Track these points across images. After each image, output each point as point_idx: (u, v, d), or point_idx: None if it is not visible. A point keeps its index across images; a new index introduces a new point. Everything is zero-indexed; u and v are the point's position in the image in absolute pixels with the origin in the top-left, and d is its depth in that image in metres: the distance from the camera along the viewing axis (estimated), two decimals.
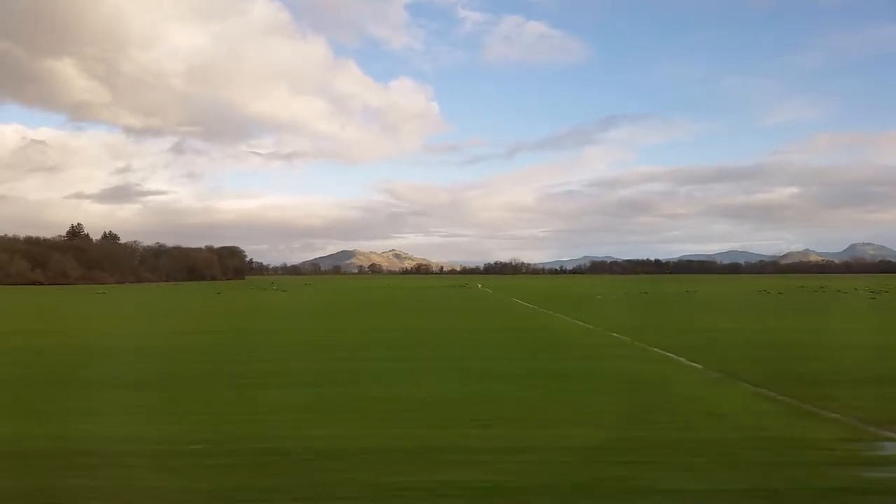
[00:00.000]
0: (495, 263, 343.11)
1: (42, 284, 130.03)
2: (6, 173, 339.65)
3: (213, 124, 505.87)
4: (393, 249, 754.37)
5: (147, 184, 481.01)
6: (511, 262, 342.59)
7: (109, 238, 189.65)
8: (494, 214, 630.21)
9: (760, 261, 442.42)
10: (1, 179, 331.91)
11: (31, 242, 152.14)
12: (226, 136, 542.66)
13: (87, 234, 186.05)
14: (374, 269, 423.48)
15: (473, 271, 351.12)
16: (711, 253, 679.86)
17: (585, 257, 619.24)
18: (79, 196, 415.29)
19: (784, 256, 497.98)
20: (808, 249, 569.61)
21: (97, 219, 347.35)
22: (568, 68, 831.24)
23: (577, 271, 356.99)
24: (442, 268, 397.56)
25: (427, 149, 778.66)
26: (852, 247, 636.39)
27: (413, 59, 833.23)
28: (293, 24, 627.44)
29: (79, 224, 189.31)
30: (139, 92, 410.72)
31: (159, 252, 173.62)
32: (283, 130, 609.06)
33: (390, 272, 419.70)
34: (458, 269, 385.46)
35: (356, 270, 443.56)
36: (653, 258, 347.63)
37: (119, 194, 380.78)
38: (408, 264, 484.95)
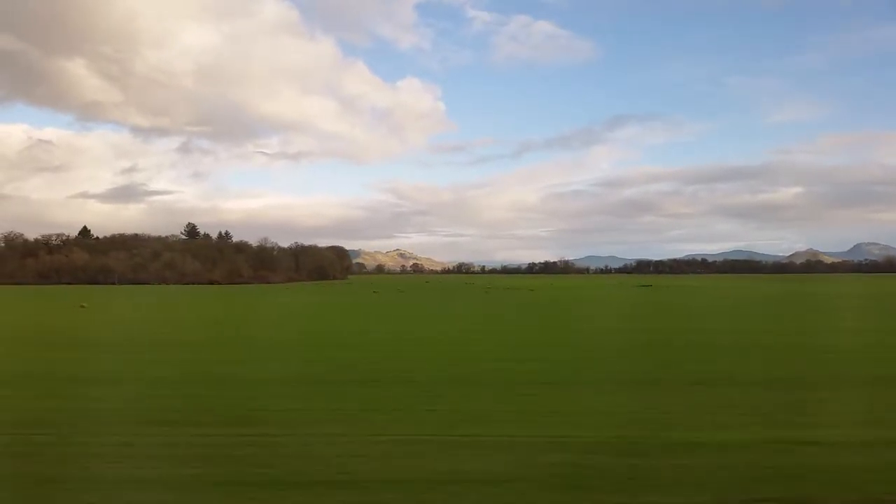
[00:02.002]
0: (545, 263, 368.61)
1: (220, 284, 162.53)
2: (11, 173, 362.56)
3: (221, 124, 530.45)
4: (398, 249, 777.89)
5: (153, 183, 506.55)
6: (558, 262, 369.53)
7: (225, 237, 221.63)
8: (498, 214, 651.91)
9: (768, 261, 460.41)
10: (6, 179, 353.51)
11: (195, 243, 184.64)
12: (233, 135, 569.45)
13: (207, 234, 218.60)
14: (380, 269, 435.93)
15: (515, 271, 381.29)
16: (715, 252, 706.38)
17: (588, 257, 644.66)
18: (84, 196, 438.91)
19: (793, 256, 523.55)
20: (812, 249, 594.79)
21: (101, 218, 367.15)
22: (576, 68, 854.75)
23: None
24: (483, 267, 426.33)
25: (433, 149, 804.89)
26: (857, 246, 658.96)
27: (421, 58, 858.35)
28: (302, 24, 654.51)
29: (192, 225, 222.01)
30: (150, 91, 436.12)
31: (297, 252, 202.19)
32: (289, 130, 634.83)
33: (410, 271, 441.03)
34: (499, 268, 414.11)
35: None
36: (654, 258, 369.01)
37: (124, 194, 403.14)
38: (411, 263, 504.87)
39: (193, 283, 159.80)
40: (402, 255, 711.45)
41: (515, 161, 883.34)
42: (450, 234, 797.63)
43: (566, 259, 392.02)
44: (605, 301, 72.11)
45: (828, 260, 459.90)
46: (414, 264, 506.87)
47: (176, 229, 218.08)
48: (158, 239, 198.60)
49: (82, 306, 57.94)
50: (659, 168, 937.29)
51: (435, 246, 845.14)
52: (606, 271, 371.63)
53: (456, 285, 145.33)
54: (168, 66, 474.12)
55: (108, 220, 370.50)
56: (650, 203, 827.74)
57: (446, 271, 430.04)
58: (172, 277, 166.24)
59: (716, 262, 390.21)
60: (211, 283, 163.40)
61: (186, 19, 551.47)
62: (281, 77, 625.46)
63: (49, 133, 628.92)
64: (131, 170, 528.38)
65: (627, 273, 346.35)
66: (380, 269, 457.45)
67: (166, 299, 79.17)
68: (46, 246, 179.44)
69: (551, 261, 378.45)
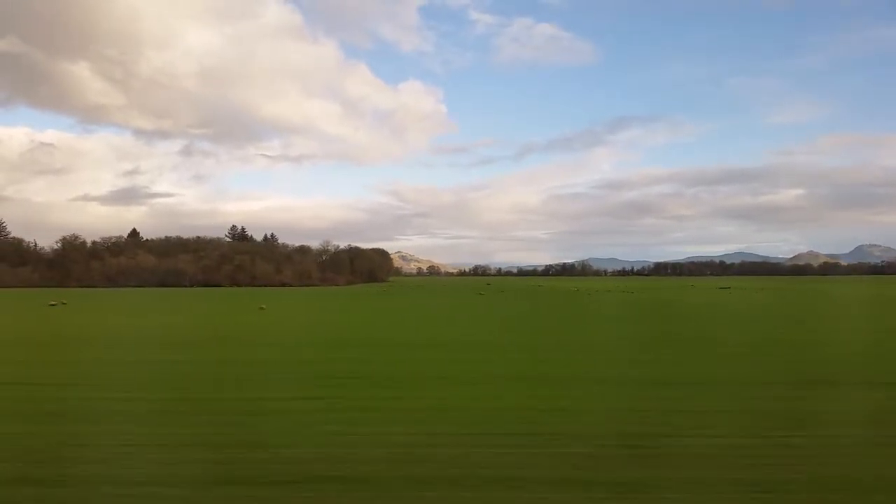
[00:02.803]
0: (563, 265, 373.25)
1: (291, 286, 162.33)
2: (13, 175, 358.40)
3: (223, 126, 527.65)
4: (399, 251, 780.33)
5: (154, 186, 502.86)
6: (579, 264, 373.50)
7: (272, 239, 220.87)
8: (498, 216, 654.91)
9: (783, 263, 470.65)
10: (7, 181, 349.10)
11: (262, 245, 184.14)
12: (235, 137, 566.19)
13: (252, 235, 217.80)
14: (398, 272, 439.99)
15: (531, 273, 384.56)
16: (716, 254, 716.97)
17: (589, 259, 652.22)
18: (85, 198, 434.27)
19: (796, 257, 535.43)
20: (813, 251, 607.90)
21: (101, 221, 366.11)
22: (577, 70, 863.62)
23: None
24: (500, 269, 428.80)
25: (434, 150, 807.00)
26: (859, 248, 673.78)
27: (423, 61, 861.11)
28: (305, 27, 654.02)
29: (241, 227, 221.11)
30: (152, 94, 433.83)
31: (352, 254, 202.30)
32: (291, 132, 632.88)
33: (426, 273, 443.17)
34: (514, 271, 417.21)
35: None
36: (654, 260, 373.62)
37: (126, 196, 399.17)
38: (414, 266, 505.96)
39: (265, 286, 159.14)
40: (403, 258, 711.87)
41: (517, 163, 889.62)
42: (450, 235, 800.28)
43: (585, 260, 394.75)
44: (752, 303, 66.05)
45: (842, 262, 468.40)
46: (430, 266, 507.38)
47: (177, 231, 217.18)
48: (212, 241, 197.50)
49: (262, 308, 57.33)
50: (660, 169, 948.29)
51: (435, 248, 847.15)
52: (627, 273, 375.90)
53: (530, 288, 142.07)
54: (171, 69, 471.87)
55: (109, 222, 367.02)
56: (651, 205, 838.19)
57: (462, 273, 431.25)
58: (244, 280, 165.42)
59: (734, 263, 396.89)
60: (282, 285, 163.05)
61: (190, 21, 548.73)
62: (283, 79, 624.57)
63: (51, 135, 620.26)
64: (133, 172, 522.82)
65: (647, 275, 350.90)
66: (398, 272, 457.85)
67: (303, 302, 76.07)
68: (108, 249, 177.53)
69: (569, 262, 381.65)
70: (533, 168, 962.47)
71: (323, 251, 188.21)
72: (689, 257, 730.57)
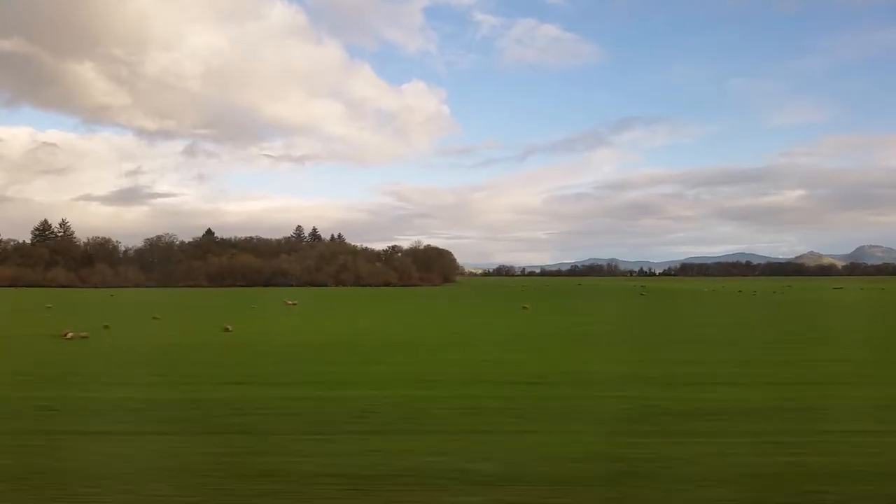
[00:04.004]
0: (590, 265, 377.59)
1: (395, 285, 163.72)
2: (16, 175, 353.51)
3: (227, 127, 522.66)
4: None
5: (157, 186, 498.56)
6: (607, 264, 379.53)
7: (338, 239, 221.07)
8: (499, 216, 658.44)
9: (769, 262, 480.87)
10: (10, 181, 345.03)
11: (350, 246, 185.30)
12: (238, 138, 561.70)
13: (318, 235, 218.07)
14: None
15: (555, 273, 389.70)
16: (716, 255, 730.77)
17: (590, 259, 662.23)
18: (87, 198, 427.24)
19: (800, 258, 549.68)
20: (814, 252, 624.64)
21: (103, 220, 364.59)
22: (581, 71, 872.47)
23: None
24: (524, 269, 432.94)
25: (437, 152, 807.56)
26: (860, 249, 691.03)
27: (427, 62, 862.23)
28: (310, 28, 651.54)
29: (299, 227, 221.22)
30: (157, 94, 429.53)
31: (430, 253, 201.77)
32: (295, 133, 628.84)
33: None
34: (537, 271, 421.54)
35: None
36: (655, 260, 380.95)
37: (127, 196, 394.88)
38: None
39: (369, 286, 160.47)
40: None
41: (520, 164, 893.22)
42: (451, 236, 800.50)
43: (615, 260, 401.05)
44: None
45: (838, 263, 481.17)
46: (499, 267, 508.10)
47: (178, 231, 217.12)
48: (299, 240, 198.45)
49: (525, 308, 58.32)
50: (662, 170, 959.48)
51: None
52: (649, 274, 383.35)
53: (627, 289, 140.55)
54: (176, 69, 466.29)
55: (111, 222, 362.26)
56: (652, 205, 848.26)
57: (486, 274, 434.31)
58: (348, 279, 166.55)
59: (759, 264, 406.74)
60: (387, 284, 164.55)
61: (195, 22, 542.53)
62: (287, 80, 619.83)
63: (53, 135, 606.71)
64: (135, 172, 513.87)
65: (674, 275, 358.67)
66: None
67: (496, 302, 75.19)
68: (198, 248, 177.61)
69: (598, 261, 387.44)
70: (535, 169, 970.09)
71: (415, 250, 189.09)
72: (689, 258, 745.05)
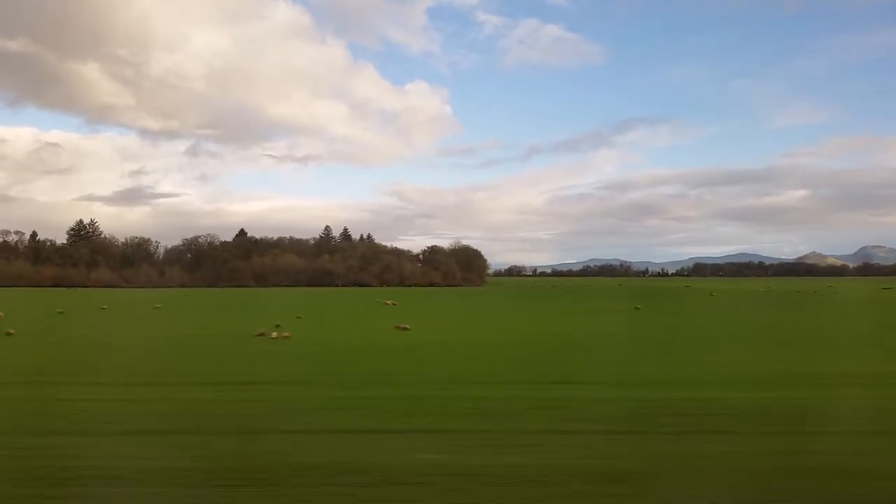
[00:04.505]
0: (602, 265, 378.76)
1: (439, 285, 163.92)
2: (19, 175, 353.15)
3: (230, 127, 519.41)
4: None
5: (159, 186, 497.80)
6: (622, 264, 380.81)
7: (368, 240, 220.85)
8: (502, 217, 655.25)
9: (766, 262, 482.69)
10: (13, 181, 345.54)
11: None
12: (241, 138, 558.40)
13: (352, 236, 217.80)
14: None
15: (567, 273, 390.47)
16: (718, 256, 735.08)
17: (592, 260, 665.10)
18: (89, 198, 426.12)
19: (804, 258, 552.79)
20: (816, 252, 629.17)
21: (105, 220, 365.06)
22: (584, 72, 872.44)
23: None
24: (535, 269, 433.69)
25: (439, 152, 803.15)
26: (863, 249, 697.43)
27: (430, 62, 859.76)
28: (314, 28, 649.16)
29: (328, 228, 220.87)
30: (161, 95, 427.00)
31: (469, 253, 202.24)
32: (297, 133, 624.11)
33: None
34: (549, 271, 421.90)
35: None
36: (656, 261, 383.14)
37: (130, 196, 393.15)
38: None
39: (414, 286, 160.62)
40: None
41: (523, 164, 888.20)
42: (453, 236, 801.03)
43: (627, 261, 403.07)
44: None
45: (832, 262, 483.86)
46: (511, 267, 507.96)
47: (180, 232, 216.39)
48: (328, 240, 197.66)
49: (637, 308, 58.60)
50: (664, 171, 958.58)
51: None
52: (663, 275, 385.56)
53: (676, 288, 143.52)
54: (180, 70, 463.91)
55: (113, 222, 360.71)
56: (655, 206, 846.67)
57: (497, 274, 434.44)
58: (392, 279, 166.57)
59: (771, 264, 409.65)
60: (431, 284, 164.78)
61: (200, 22, 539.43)
62: (291, 80, 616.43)
63: (56, 136, 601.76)
64: (138, 172, 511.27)
65: (687, 275, 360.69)
66: None
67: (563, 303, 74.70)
68: (257, 247, 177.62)
69: (610, 261, 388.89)
70: (538, 169, 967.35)
71: (456, 250, 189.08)
72: (692, 258, 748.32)
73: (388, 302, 73.49)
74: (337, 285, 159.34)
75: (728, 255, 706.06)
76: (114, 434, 11.63)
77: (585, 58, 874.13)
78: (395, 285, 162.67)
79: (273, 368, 20.74)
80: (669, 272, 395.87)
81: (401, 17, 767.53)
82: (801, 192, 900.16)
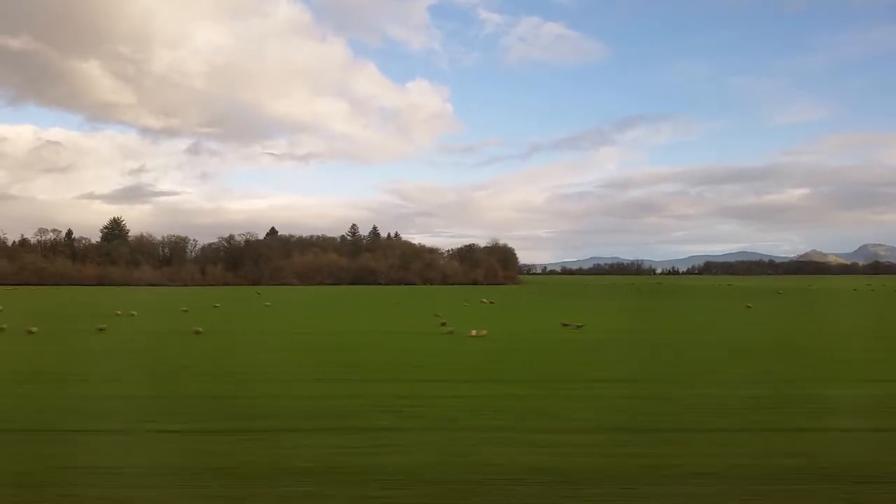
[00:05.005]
0: (618, 263, 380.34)
1: (481, 284, 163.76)
2: (19, 173, 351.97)
3: (230, 125, 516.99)
4: None
5: (160, 184, 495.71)
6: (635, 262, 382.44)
7: (396, 237, 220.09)
8: (502, 214, 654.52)
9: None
10: (13, 179, 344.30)
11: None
12: (242, 136, 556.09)
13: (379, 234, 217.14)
14: None
15: (576, 271, 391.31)
16: (718, 254, 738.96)
17: (592, 258, 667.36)
18: (90, 196, 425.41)
19: (804, 256, 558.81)
20: (816, 250, 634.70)
21: (105, 219, 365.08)
22: (585, 69, 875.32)
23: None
24: (545, 268, 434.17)
25: (440, 149, 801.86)
26: (863, 247, 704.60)
27: (431, 59, 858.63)
28: (315, 25, 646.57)
29: (354, 226, 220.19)
30: (163, 92, 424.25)
31: (507, 252, 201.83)
32: (298, 131, 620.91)
33: None
34: (558, 269, 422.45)
35: None
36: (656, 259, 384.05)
37: (130, 195, 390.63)
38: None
39: (457, 284, 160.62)
40: None
41: (523, 162, 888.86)
42: (453, 234, 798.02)
43: (640, 260, 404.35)
44: None
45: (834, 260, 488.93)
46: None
47: (180, 230, 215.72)
48: (355, 238, 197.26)
49: (748, 307, 59.04)
50: (665, 168, 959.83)
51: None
52: (674, 273, 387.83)
53: (720, 287, 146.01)
54: (181, 67, 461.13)
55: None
56: (655, 204, 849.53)
57: None
58: (435, 278, 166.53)
59: (783, 263, 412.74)
60: (475, 283, 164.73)
61: (201, 19, 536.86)
62: (292, 78, 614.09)
63: (57, 134, 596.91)
64: (139, 171, 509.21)
65: (698, 273, 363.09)
66: None
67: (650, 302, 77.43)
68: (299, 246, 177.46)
69: (625, 260, 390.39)
70: (538, 167, 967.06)
71: (494, 247, 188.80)
72: (692, 256, 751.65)
73: (485, 300, 73.86)
74: (380, 283, 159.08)
75: (728, 254, 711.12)
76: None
77: (586, 55, 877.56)
78: (438, 283, 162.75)
79: (572, 365, 21.23)
80: (680, 270, 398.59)
81: (402, 14, 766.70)
82: (802, 190, 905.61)
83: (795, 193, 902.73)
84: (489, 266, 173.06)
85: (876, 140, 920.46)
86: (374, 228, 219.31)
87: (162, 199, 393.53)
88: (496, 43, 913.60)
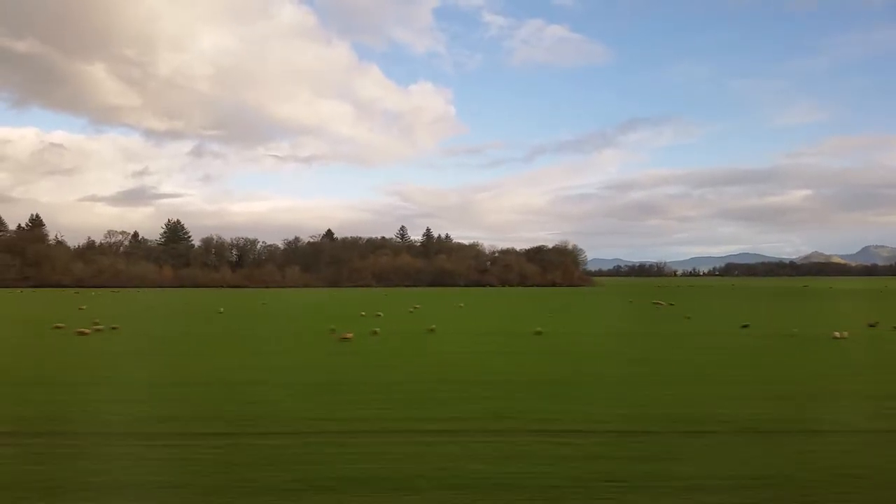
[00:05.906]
0: (640, 265, 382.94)
1: (560, 286, 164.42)
2: (22, 176, 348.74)
3: (234, 127, 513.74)
4: None
5: (162, 187, 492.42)
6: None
7: (446, 240, 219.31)
8: (504, 217, 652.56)
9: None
10: (17, 182, 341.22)
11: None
12: (245, 139, 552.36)
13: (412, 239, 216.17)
14: None
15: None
16: (720, 255, 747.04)
17: (594, 260, 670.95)
18: (92, 199, 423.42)
19: (808, 257, 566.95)
20: (818, 252, 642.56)
21: (108, 221, 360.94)
22: (588, 71, 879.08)
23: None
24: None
25: (443, 152, 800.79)
26: (865, 249, 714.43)
27: (435, 62, 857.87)
28: (320, 28, 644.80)
29: (403, 227, 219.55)
30: (168, 95, 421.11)
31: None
32: (301, 133, 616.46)
33: None
34: None
35: None
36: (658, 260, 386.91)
37: (133, 197, 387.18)
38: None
39: (535, 286, 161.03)
40: None
41: (526, 164, 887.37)
42: (455, 236, 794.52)
43: (663, 262, 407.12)
44: None
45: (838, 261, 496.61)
46: None
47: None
48: (403, 240, 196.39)
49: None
50: (667, 170, 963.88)
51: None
52: (695, 274, 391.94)
53: (792, 288, 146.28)
54: (186, 70, 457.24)
55: (116, 223, 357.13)
56: (657, 206, 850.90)
57: None
58: (513, 280, 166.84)
59: (795, 263, 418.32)
60: (554, 285, 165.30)
61: (206, 22, 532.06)
62: (296, 81, 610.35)
63: (60, 136, 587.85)
64: (142, 173, 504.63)
65: (719, 275, 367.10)
66: None
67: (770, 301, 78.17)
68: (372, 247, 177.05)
69: (646, 262, 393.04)
70: (541, 169, 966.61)
71: (563, 249, 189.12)
72: (694, 258, 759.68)
73: (661, 303, 74.44)
74: (459, 285, 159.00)
75: (730, 255, 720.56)
76: None
77: (589, 58, 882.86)
78: (516, 285, 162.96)
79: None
80: (701, 272, 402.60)
81: (406, 17, 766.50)
82: (803, 192, 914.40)
83: (797, 195, 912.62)
84: (566, 267, 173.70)
85: (877, 142, 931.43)
86: (428, 230, 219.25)
87: (164, 201, 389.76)
88: (500, 45, 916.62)
